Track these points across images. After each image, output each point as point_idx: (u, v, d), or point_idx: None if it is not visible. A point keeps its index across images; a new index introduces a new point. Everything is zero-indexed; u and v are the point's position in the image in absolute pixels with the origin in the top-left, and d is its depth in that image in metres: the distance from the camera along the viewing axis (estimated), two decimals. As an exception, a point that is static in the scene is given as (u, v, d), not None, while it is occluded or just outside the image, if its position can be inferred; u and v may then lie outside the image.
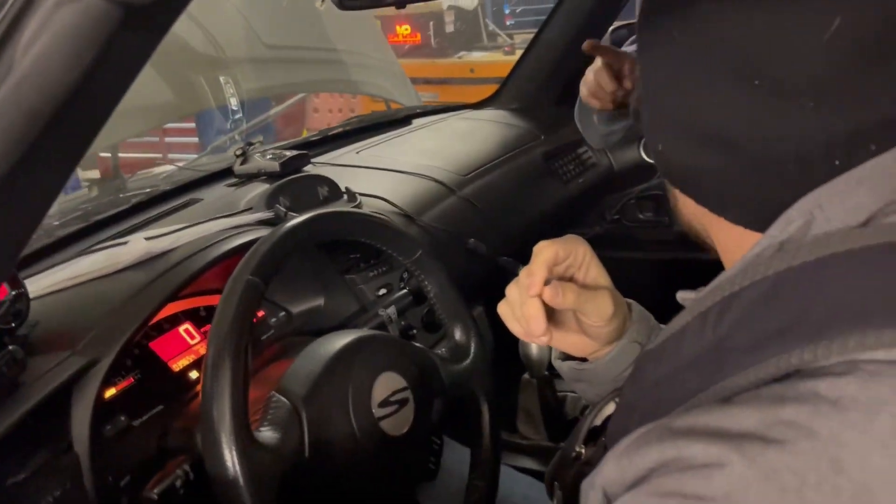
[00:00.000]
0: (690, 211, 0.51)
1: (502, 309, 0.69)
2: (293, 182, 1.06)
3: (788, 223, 0.43)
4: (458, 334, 0.89)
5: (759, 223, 0.46)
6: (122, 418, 0.74)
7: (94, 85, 0.42)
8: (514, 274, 1.22)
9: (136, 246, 0.81)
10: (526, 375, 1.20)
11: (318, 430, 0.68)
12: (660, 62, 0.49)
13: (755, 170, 0.45)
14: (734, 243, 0.48)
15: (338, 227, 0.78)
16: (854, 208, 0.41)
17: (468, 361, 0.88)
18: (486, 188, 1.34)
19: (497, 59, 3.71)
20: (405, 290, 1.02)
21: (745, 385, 0.41)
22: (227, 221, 0.94)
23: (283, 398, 0.69)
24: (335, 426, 0.70)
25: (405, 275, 1.05)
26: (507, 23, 4.10)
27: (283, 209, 0.98)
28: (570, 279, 0.69)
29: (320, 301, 0.99)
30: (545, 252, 0.66)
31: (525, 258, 1.09)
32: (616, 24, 1.40)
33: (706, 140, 0.46)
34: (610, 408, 0.69)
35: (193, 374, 0.85)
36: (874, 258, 0.39)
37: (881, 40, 0.41)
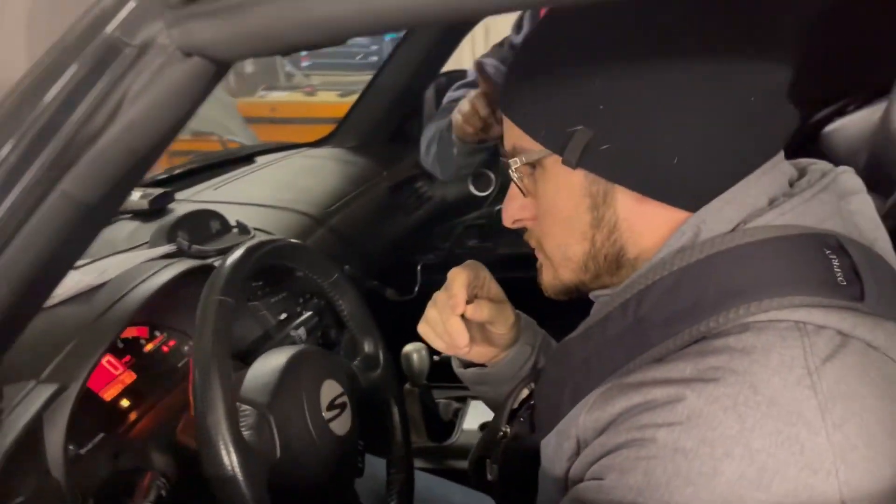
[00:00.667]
0: (616, 218, 0.66)
1: (423, 329, 0.83)
2: (187, 217, 1.11)
3: (682, 234, 0.62)
4: (368, 347, 1.01)
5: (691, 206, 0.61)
6: (71, 447, 0.76)
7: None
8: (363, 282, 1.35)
9: (70, 278, 0.83)
10: (408, 385, 1.33)
11: (284, 433, 0.77)
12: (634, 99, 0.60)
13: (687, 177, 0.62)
14: (651, 235, 0.65)
15: (278, 252, 0.86)
16: (725, 220, 0.61)
17: (379, 371, 1.00)
18: (347, 220, 1.46)
19: (298, 100, 3.80)
20: (310, 312, 1.11)
21: (668, 350, 0.58)
22: (137, 255, 0.98)
23: (249, 407, 0.76)
24: (296, 428, 0.79)
25: (301, 300, 1.14)
26: (303, 64, 4.21)
27: (186, 242, 1.03)
28: (475, 297, 0.85)
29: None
30: (460, 277, 0.81)
31: (385, 282, 1.20)
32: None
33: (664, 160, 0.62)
34: (524, 393, 0.84)
35: (125, 403, 0.88)
36: (742, 253, 0.58)
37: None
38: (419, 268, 1.61)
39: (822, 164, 0.67)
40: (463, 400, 1.38)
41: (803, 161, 0.69)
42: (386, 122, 1.86)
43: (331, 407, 0.84)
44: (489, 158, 1.55)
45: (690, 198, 0.61)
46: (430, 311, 0.82)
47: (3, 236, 0.47)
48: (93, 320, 0.77)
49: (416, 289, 1.53)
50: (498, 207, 1.84)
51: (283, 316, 1.10)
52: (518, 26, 1.60)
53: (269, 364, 0.82)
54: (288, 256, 0.89)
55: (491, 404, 0.96)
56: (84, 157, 0.47)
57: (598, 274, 0.68)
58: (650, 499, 0.53)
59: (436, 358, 1.34)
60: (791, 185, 0.64)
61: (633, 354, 0.61)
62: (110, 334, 0.76)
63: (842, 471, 0.49)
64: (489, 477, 0.83)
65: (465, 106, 1.19)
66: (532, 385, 0.83)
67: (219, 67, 0.48)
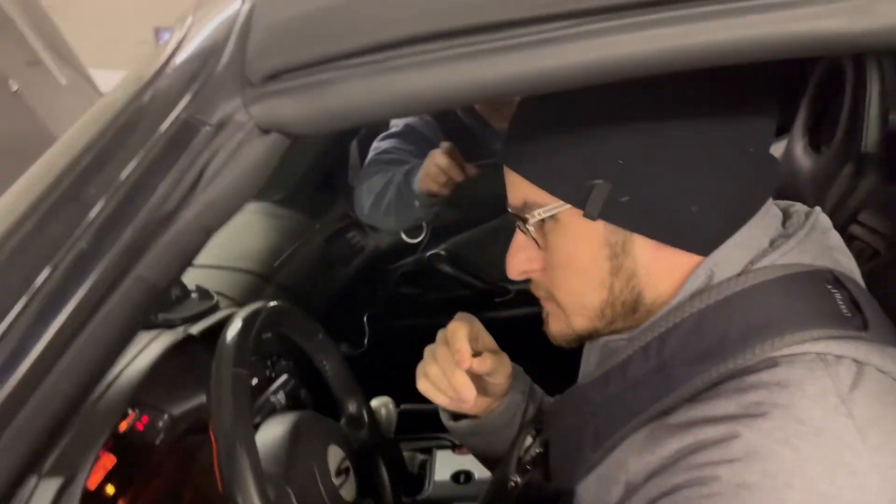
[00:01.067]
0: (634, 266, 0.70)
1: (424, 385, 0.82)
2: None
3: (697, 278, 0.66)
4: (352, 407, 0.99)
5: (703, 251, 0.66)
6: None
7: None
8: None
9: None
10: (374, 440, 1.31)
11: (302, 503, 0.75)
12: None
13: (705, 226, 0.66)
14: (668, 279, 0.69)
15: (272, 318, 0.84)
16: (734, 262, 0.66)
17: (365, 430, 0.99)
18: (292, 275, 1.44)
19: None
20: (285, 376, 1.08)
21: (696, 389, 0.62)
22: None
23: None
24: (312, 498, 0.76)
25: (269, 363, 1.11)
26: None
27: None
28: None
29: (202, 398, 1.00)
30: (461, 330, 0.80)
31: (333, 336, 1.20)
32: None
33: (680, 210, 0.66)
34: (527, 441, 0.85)
35: (110, 490, 0.82)
36: (757, 292, 0.64)
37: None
38: (365, 319, 1.60)
39: (798, 206, 0.74)
40: (428, 451, 1.37)
41: (781, 203, 0.75)
42: (311, 174, 1.84)
43: (338, 473, 0.82)
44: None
45: (703, 243, 0.66)
46: (431, 367, 0.82)
47: (75, 325, 0.44)
48: (88, 407, 0.73)
49: (366, 341, 1.52)
50: (429, 253, 1.86)
51: (255, 381, 1.06)
52: None
53: (274, 433, 0.80)
54: (280, 321, 0.87)
55: (481, 454, 0.97)
56: (160, 241, 0.45)
57: (613, 320, 0.71)
58: None
59: (401, 407, 1.34)
60: (783, 225, 0.70)
61: (659, 395, 0.64)
62: (109, 423, 0.72)
63: (886, 489, 0.54)
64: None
65: (431, 167, 1.23)
66: (534, 432, 0.84)
67: (291, 141, 0.48)
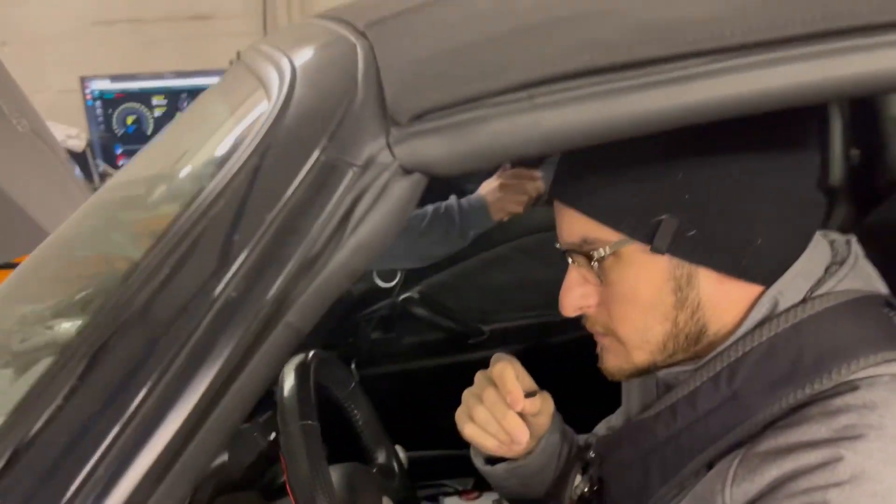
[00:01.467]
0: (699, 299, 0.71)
1: (471, 430, 0.81)
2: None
3: (762, 307, 0.69)
4: (381, 457, 0.97)
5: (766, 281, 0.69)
6: None
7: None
8: None
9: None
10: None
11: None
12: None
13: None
14: (732, 310, 0.71)
15: (318, 366, 0.82)
16: (797, 290, 0.69)
17: (396, 481, 0.96)
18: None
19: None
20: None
21: (772, 416, 0.64)
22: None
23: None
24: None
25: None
26: (120, 163, 3.97)
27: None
28: None
29: (224, 457, 0.95)
30: (509, 371, 0.80)
31: None
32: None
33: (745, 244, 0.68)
34: (577, 479, 0.85)
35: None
36: (825, 318, 0.67)
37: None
38: (353, 366, 1.57)
39: (834, 234, 0.78)
40: (434, 499, 1.34)
41: (818, 232, 0.79)
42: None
43: (393, 525, 0.79)
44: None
45: (767, 274, 0.69)
46: (479, 411, 0.81)
47: (226, 377, 0.42)
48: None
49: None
50: (402, 297, 1.85)
51: (273, 436, 1.02)
52: None
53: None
54: (321, 370, 0.85)
55: (516, 498, 0.95)
56: (310, 286, 0.43)
57: (675, 352, 0.73)
58: None
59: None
60: (834, 257, 0.74)
61: (733, 425, 0.66)
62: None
63: None
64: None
65: (509, 191, 1.51)
66: (580, 470, 0.84)
67: (430, 180, 0.48)
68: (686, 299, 0.70)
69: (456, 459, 1.49)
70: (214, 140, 0.56)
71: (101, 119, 3.80)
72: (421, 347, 1.87)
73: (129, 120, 3.82)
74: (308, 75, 0.51)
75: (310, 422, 0.69)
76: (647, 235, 0.67)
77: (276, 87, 0.51)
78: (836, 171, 1.40)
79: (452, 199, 1.66)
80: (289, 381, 0.73)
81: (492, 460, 0.91)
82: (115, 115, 3.81)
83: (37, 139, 1.63)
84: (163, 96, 3.81)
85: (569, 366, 0.87)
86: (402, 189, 0.46)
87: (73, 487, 0.42)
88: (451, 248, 1.65)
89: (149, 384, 0.42)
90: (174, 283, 0.42)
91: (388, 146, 0.45)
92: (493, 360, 0.83)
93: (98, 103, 3.78)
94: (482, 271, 1.87)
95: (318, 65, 0.51)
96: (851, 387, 0.62)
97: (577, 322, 0.79)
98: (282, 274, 0.43)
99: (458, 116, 0.45)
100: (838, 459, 0.58)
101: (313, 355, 0.81)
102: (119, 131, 3.84)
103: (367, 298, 1.84)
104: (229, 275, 0.42)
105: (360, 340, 1.86)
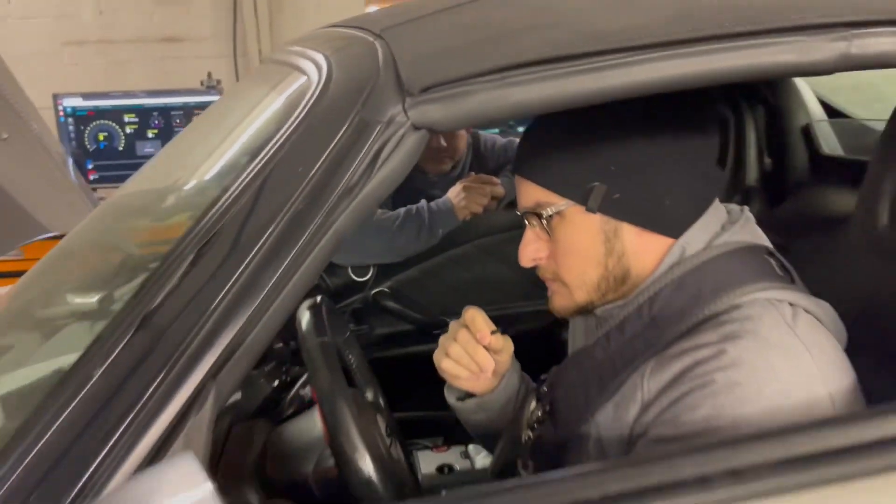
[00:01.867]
0: (623, 248, 0.92)
1: (447, 364, 1.02)
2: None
3: (673, 254, 0.90)
4: (370, 395, 1.15)
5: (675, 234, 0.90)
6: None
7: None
8: None
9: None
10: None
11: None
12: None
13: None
14: (650, 257, 0.92)
15: (326, 305, 1.00)
16: (699, 241, 0.90)
17: (384, 413, 1.14)
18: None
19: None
20: (307, 375, 1.22)
21: (681, 332, 0.85)
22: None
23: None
24: (380, 454, 0.92)
25: (284, 367, 1.24)
26: (91, 177, 4.07)
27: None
28: None
29: (238, 397, 1.12)
30: (478, 315, 1.01)
31: None
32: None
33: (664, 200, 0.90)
34: (532, 405, 1.05)
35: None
36: (720, 261, 0.88)
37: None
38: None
39: (731, 206, 1.00)
40: (409, 454, 1.51)
41: (735, 207, 1.02)
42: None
43: (388, 435, 0.98)
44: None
45: (675, 228, 0.91)
46: (454, 348, 1.01)
47: (295, 267, 0.61)
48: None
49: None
50: (374, 291, 2.03)
51: (276, 383, 1.20)
52: None
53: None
54: (328, 314, 1.03)
55: (482, 431, 1.14)
56: (351, 206, 0.63)
57: (607, 292, 0.94)
58: (720, 419, 0.78)
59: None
60: (729, 220, 0.96)
61: (651, 342, 0.87)
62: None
63: (825, 377, 0.79)
64: (523, 473, 1.02)
65: (472, 194, 1.77)
66: (535, 398, 1.04)
67: (432, 136, 0.67)
68: (613, 248, 0.91)
69: (426, 422, 1.68)
70: (261, 113, 0.75)
71: (73, 135, 3.89)
72: (391, 337, 2.04)
73: (101, 136, 3.92)
74: (341, 63, 0.70)
75: (325, 338, 0.87)
76: (583, 198, 0.89)
77: (316, 72, 0.71)
78: (752, 174, 1.65)
79: (423, 202, 1.86)
80: (305, 315, 0.91)
81: (462, 399, 1.11)
82: (87, 132, 3.90)
83: (38, 142, 1.78)
84: (134, 114, 3.92)
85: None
86: (413, 140, 0.65)
87: (179, 350, 0.60)
88: (422, 244, 1.84)
89: (233, 277, 0.61)
90: (258, 203, 0.61)
91: (404, 110, 0.65)
92: (464, 310, 1.03)
93: (70, 120, 3.88)
94: (447, 269, 2.07)
95: (347, 56, 0.71)
96: (736, 307, 0.84)
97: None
98: (333, 195, 0.62)
99: (452, 90, 0.65)
100: (723, 352, 0.80)
101: (322, 299, 1.00)
102: (91, 147, 3.94)
103: (343, 292, 2.02)
104: (297, 193, 0.61)
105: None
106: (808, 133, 1.59)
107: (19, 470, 0.54)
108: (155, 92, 4.08)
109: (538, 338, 1.68)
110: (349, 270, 2.02)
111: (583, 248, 0.92)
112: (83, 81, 4.43)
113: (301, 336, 0.88)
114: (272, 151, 0.64)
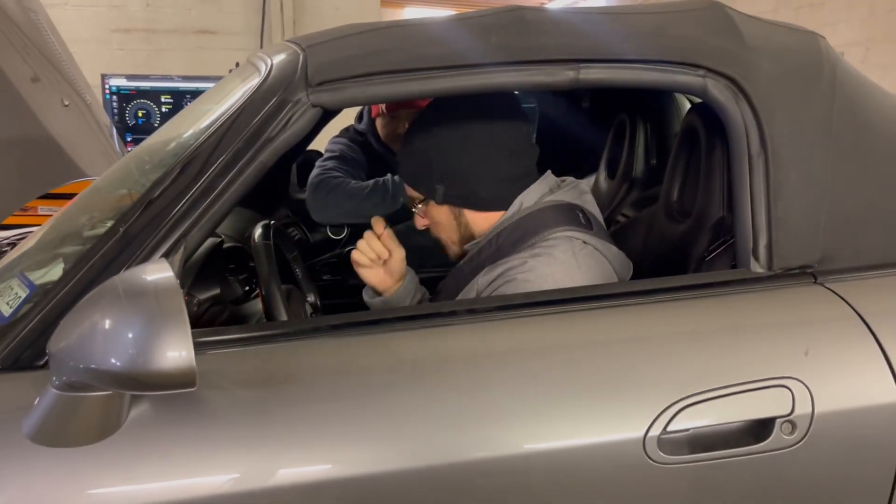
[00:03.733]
0: (467, 220, 1.41)
1: (355, 255, 1.50)
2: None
3: (513, 208, 1.38)
4: (311, 298, 1.62)
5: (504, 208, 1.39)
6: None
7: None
8: None
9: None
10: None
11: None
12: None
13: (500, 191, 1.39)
14: (485, 222, 1.41)
15: (276, 228, 1.48)
16: (531, 198, 1.38)
17: (319, 312, 1.62)
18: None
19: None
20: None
21: (514, 255, 1.33)
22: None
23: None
24: (298, 307, 1.39)
25: (254, 280, 1.72)
26: (129, 149, 4.59)
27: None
28: None
29: (216, 290, 1.60)
30: (380, 220, 1.49)
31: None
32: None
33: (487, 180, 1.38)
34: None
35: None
36: (542, 211, 1.37)
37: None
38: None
39: (571, 178, 1.47)
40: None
41: (565, 177, 1.48)
42: (261, 186, 2.47)
43: (313, 308, 1.45)
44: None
45: (500, 204, 1.39)
46: (360, 244, 1.50)
47: (232, 184, 1.08)
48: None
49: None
50: (348, 249, 2.51)
51: (247, 288, 1.68)
52: (359, 117, 2.45)
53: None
54: (278, 234, 1.50)
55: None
56: (271, 146, 1.10)
57: (465, 243, 1.42)
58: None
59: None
60: (559, 186, 1.43)
61: (493, 259, 1.34)
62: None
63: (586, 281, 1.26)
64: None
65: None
66: (430, 300, 1.52)
67: (326, 113, 1.15)
68: (461, 222, 1.43)
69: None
70: (229, 93, 1.23)
71: (115, 111, 4.41)
72: (361, 288, 2.51)
73: (140, 113, 4.44)
74: (278, 65, 1.18)
75: (269, 241, 1.34)
76: (434, 196, 1.38)
77: (264, 69, 1.19)
78: (639, 168, 2.09)
79: (389, 175, 2.34)
80: (258, 230, 1.39)
81: (373, 298, 1.58)
82: (128, 109, 4.42)
83: (85, 107, 2.30)
84: (169, 95, 4.43)
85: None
86: (311, 113, 1.12)
87: (158, 231, 1.07)
88: (385, 209, 2.29)
89: (191, 191, 1.08)
90: (215, 149, 1.08)
91: (307, 95, 1.12)
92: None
93: (115, 98, 4.40)
94: (408, 235, 2.53)
95: (283, 61, 1.19)
96: (546, 239, 1.31)
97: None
98: (259, 140, 1.09)
99: (335, 85, 1.12)
100: (525, 263, 1.28)
101: (274, 223, 1.48)
102: (131, 122, 4.45)
103: (322, 247, 2.50)
104: (238, 140, 1.09)
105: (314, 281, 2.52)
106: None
107: (48, 307, 1.02)
108: (189, 77, 4.59)
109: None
110: (328, 230, 2.51)
111: (443, 223, 1.44)
112: (127, 65, 4.97)
113: (253, 244, 1.34)
114: (228, 116, 1.11)
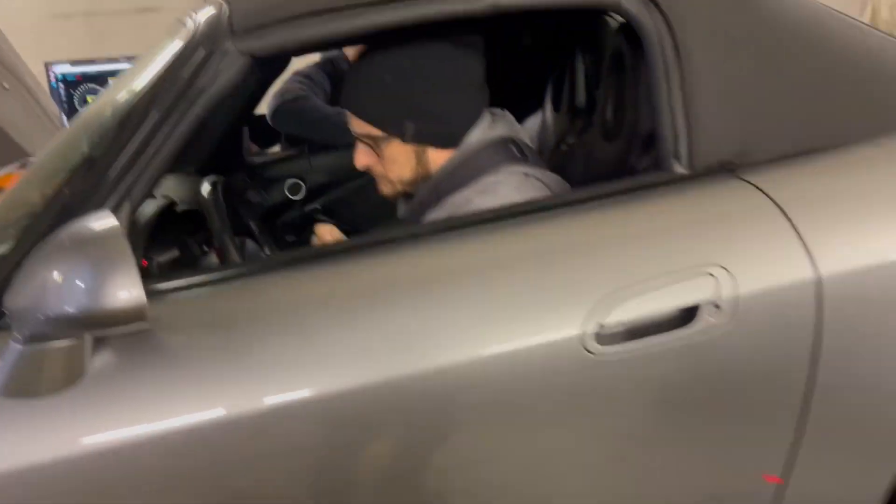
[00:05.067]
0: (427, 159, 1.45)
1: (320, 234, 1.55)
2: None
3: (459, 149, 1.42)
4: (267, 250, 1.67)
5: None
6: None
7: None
8: None
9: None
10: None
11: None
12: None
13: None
14: (442, 160, 1.44)
15: (224, 186, 1.52)
16: (476, 135, 1.43)
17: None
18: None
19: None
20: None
21: (458, 191, 1.38)
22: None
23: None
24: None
25: (210, 241, 1.76)
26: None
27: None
28: None
29: (175, 252, 1.64)
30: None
31: None
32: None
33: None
34: None
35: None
36: (482, 150, 1.42)
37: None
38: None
39: (494, 109, 1.51)
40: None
41: (498, 110, 1.52)
42: (214, 152, 2.49)
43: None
44: (302, 170, 2.37)
45: (457, 142, 1.43)
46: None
47: (173, 131, 1.12)
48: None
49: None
50: (308, 208, 2.55)
51: (205, 248, 1.72)
52: None
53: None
54: (225, 189, 1.54)
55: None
56: (205, 95, 1.13)
57: (417, 182, 1.46)
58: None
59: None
60: (493, 119, 1.47)
61: (438, 200, 1.39)
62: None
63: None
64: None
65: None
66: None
67: (254, 61, 1.18)
68: (420, 160, 1.45)
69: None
70: (162, 49, 1.25)
71: (64, 98, 4.35)
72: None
73: (89, 99, 4.40)
74: (203, 19, 1.21)
75: (217, 195, 1.38)
76: (400, 134, 1.40)
77: (192, 25, 1.21)
78: (580, 98, 2.14)
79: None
80: (206, 185, 1.43)
81: None
82: (76, 95, 4.37)
83: (24, 90, 2.32)
84: (117, 78, 4.37)
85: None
86: (239, 62, 1.16)
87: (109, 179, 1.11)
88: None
89: (139, 135, 1.11)
90: (155, 99, 1.11)
91: (234, 43, 1.16)
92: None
93: (61, 85, 4.35)
94: (369, 190, 2.57)
95: (207, 13, 1.21)
96: (490, 176, 1.36)
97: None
98: (194, 89, 1.12)
99: (264, 30, 1.16)
100: (470, 201, 1.34)
101: (223, 178, 1.51)
102: (80, 108, 4.41)
103: (279, 209, 2.53)
104: (175, 89, 1.12)
105: (279, 241, 2.56)
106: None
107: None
108: (135, 58, 4.52)
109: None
110: (284, 190, 2.54)
111: (401, 162, 1.45)
112: (71, 51, 4.89)
113: (201, 199, 1.38)
114: (159, 72, 1.15)
